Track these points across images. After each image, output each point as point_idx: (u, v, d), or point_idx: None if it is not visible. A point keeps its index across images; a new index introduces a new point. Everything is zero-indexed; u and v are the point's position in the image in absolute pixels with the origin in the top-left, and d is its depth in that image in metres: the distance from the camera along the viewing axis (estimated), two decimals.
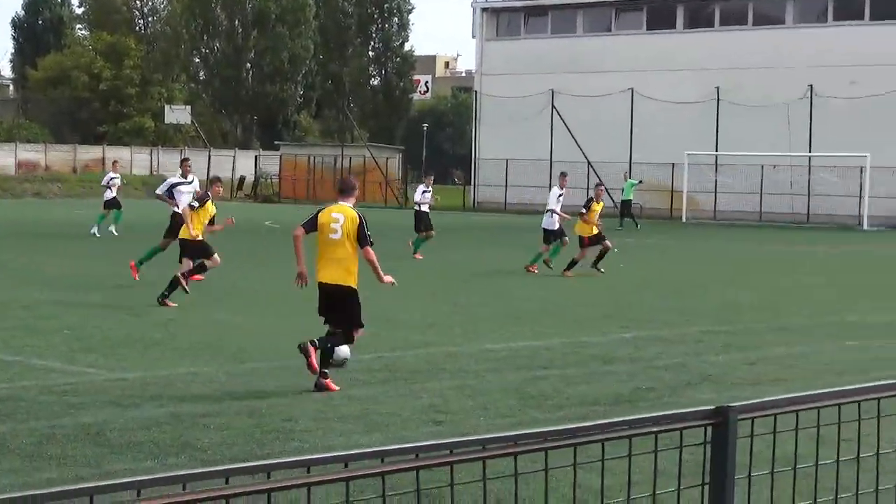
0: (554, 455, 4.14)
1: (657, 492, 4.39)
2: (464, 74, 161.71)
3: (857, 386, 5.20)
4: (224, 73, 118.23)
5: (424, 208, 36.76)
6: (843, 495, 5.26)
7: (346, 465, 3.61)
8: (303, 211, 74.21)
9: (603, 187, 33.91)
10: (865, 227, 63.92)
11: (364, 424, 12.31)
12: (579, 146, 76.20)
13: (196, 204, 23.44)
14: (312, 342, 14.37)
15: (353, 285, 14.54)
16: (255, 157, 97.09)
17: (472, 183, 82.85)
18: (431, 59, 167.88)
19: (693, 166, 69.56)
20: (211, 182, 24.11)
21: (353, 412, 12.89)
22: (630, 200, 59.67)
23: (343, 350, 14.42)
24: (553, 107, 78.02)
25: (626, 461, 4.37)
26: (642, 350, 17.97)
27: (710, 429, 4.33)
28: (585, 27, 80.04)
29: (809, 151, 69.22)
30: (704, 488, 4.37)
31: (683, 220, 68.16)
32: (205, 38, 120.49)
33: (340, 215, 14.49)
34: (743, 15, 74.10)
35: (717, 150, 71.72)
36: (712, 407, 4.34)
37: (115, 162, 48.00)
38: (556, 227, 31.86)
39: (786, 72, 69.89)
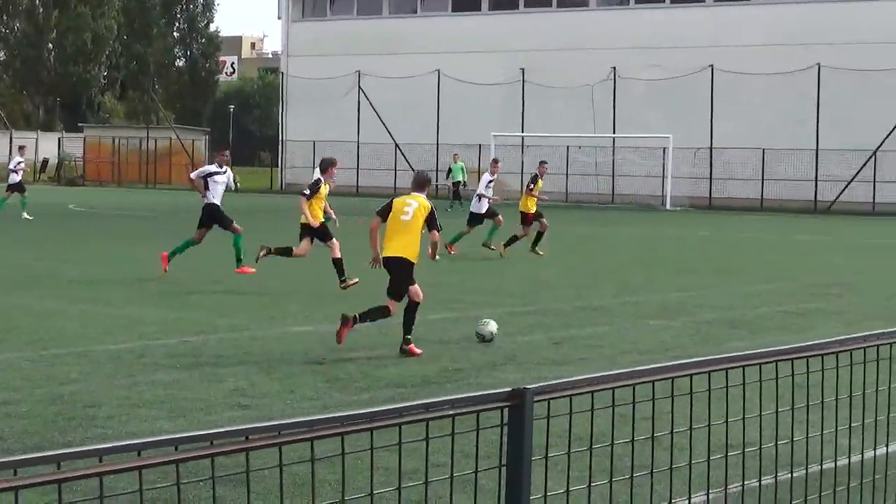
0: (356, 438, 4.15)
1: (455, 474, 4.41)
2: (270, 56, 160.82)
3: (652, 366, 5.29)
4: (25, 53, 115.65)
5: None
6: (637, 474, 5.35)
7: (139, 454, 3.56)
8: (109, 194, 72.54)
9: (546, 165, 34.69)
10: (668, 206, 65.20)
11: (168, 410, 12.17)
12: (386, 128, 76.33)
13: (308, 192, 23.12)
14: (355, 317, 16.19)
15: (413, 259, 16.63)
16: (59, 139, 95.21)
17: (280, 165, 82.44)
18: (237, 40, 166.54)
19: (499, 147, 70.10)
20: (324, 166, 23.38)
21: (158, 398, 12.73)
22: (460, 182, 60.30)
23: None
24: (360, 88, 77.98)
25: (427, 444, 4.39)
26: (450, 331, 18.07)
27: (506, 410, 4.36)
28: (391, 8, 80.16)
29: (613, 133, 70.33)
30: (502, 470, 4.40)
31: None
32: (4, 17, 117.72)
33: (414, 202, 16.65)
34: None
35: (522, 132, 72.41)
36: (508, 389, 4.37)
37: (21, 147, 47.62)
38: (483, 210, 32.92)
39: (589, 53, 70.87)
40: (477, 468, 4.40)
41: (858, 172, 64.49)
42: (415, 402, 4.13)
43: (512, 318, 19.85)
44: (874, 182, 64.03)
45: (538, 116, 72.00)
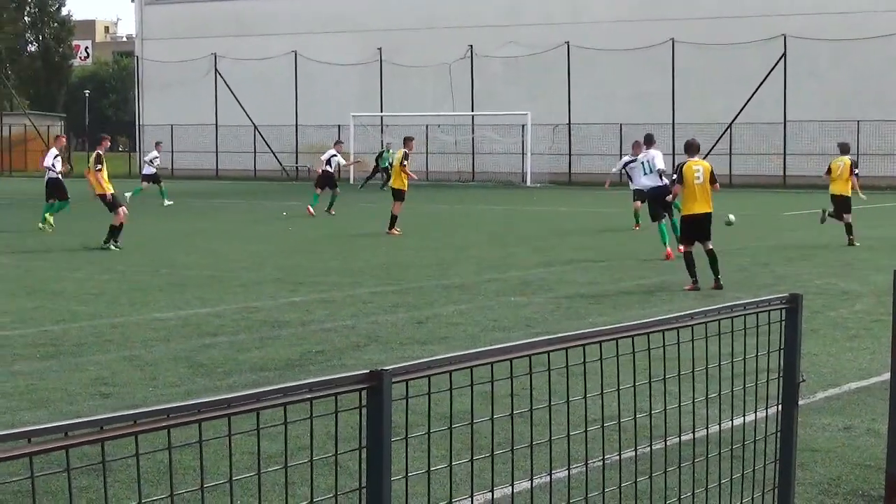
0: (218, 424, 4.12)
1: (315, 457, 4.40)
2: (125, 39, 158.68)
3: (511, 344, 5.32)
4: None
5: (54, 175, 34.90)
6: (499, 451, 5.37)
7: (29, 441, 3.52)
8: None
9: (413, 141, 34.80)
10: (528, 183, 65.60)
11: (29, 401, 11.98)
12: (244, 110, 75.78)
13: (97, 165, 28.62)
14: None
15: (711, 211, 21.18)
16: None
17: (138, 150, 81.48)
18: (91, 24, 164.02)
19: (359, 128, 70.01)
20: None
21: (18, 389, 12.53)
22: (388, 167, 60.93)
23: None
24: (216, 71, 77.31)
25: (291, 427, 4.38)
26: (312, 313, 18.02)
27: (365, 392, 4.36)
28: None
29: (472, 111, 70.55)
30: (363, 451, 4.39)
31: (351, 182, 68.53)
32: None
33: (700, 167, 21.26)
34: None
35: (382, 112, 72.35)
36: (366, 371, 4.36)
37: (158, 143, 52.59)
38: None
39: (446, 32, 70.97)
40: (337, 451, 4.39)
41: (714, 146, 65.41)
42: (272, 387, 4.10)
43: (374, 297, 19.86)
44: (730, 155, 64.99)
45: (397, 96, 72.02)
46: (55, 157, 35.50)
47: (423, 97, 70.77)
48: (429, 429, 4.82)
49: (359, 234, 33.16)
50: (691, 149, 21.76)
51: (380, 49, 72.63)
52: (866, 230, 33.65)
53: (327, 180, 41.17)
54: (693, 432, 6.37)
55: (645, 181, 28.48)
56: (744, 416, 6.70)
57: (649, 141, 29.21)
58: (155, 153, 49.67)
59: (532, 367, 5.35)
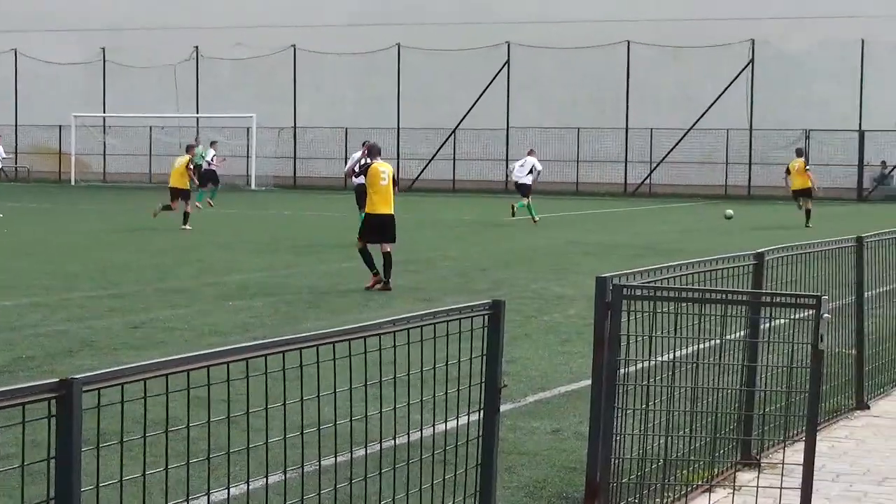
0: None
1: (2, 469, 4.30)
2: None
3: (224, 348, 5.29)
4: None
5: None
6: (214, 455, 5.32)
7: None
8: None
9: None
10: (254, 186, 65.24)
11: None
12: None
13: None
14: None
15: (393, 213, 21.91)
16: None
17: None
18: None
19: (81, 129, 68.61)
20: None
21: None
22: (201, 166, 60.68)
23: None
24: None
25: None
26: (24, 318, 17.54)
27: (54, 401, 4.27)
28: None
29: (197, 112, 69.85)
30: (51, 462, 4.31)
31: (73, 183, 67.17)
32: None
33: (386, 169, 21.93)
34: None
35: (104, 112, 71.02)
36: (56, 380, 4.28)
37: (213, 142, 51.09)
38: None
39: (172, 32, 70.12)
40: (24, 461, 4.30)
41: (439, 150, 66.21)
42: None
43: (89, 301, 19.46)
44: (454, 160, 65.86)
45: (120, 97, 70.82)
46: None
47: (147, 98, 69.77)
48: (121, 437, 4.75)
49: (76, 236, 32.44)
50: (374, 151, 22.46)
51: (103, 49, 71.31)
52: (584, 235, 34.57)
53: (211, 176, 45.56)
54: (408, 435, 6.44)
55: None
56: (446, 421, 6.78)
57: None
58: (213, 152, 47.72)
59: (249, 371, 5.34)
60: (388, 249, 21.58)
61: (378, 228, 21.71)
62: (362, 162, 23.49)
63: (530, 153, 42.49)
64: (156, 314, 18.19)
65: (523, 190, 40.23)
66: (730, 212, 39.83)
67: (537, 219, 39.02)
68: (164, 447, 5.04)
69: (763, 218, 43.81)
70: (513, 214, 39.99)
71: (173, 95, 69.64)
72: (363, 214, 25.05)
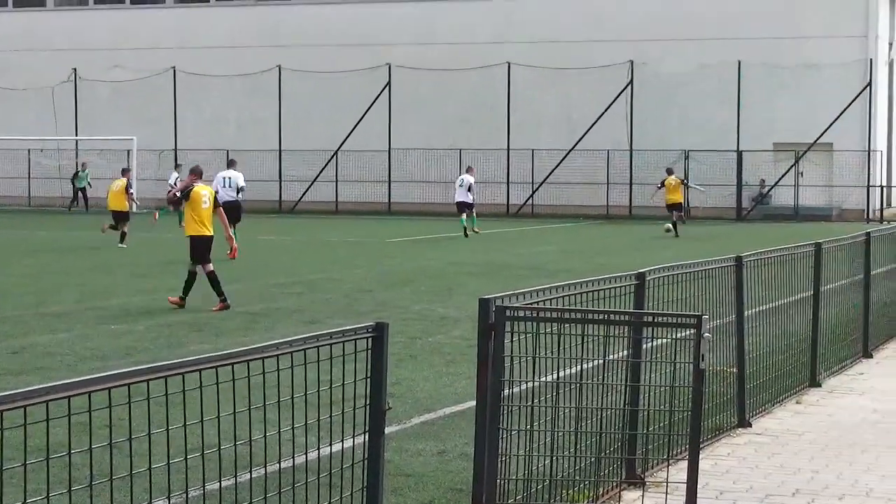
0: None
1: None
2: None
3: (107, 374, 5.24)
4: None
5: None
6: (97, 482, 5.27)
7: None
8: None
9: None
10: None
11: None
12: None
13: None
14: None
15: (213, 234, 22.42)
16: None
17: None
18: None
19: None
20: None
21: None
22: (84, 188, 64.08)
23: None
24: None
25: None
26: None
27: None
28: None
29: (76, 135, 69.03)
30: None
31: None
32: None
33: (206, 191, 22.51)
34: None
35: None
36: None
37: (232, 161, 47.63)
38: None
39: (50, 54, 69.34)
40: None
41: (321, 172, 66.02)
42: None
43: None
44: (336, 182, 65.74)
45: None
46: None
47: (25, 120, 68.85)
48: (0, 465, 4.70)
49: None
50: (196, 173, 23.27)
51: None
52: (467, 255, 34.68)
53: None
54: (293, 458, 6.43)
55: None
56: (331, 444, 6.78)
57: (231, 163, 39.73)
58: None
59: (131, 396, 5.30)
60: (211, 269, 22.21)
61: (203, 249, 22.41)
62: (180, 187, 24.21)
63: (468, 171, 45.57)
64: (35, 339, 17.96)
65: (463, 207, 43.24)
66: (668, 226, 44.25)
67: (476, 231, 43.29)
68: (45, 474, 4.99)
69: (643, 237, 44.28)
70: (466, 235, 42.61)
71: (51, 118, 68.79)
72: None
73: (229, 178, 37.62)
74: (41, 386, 4.88)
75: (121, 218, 38.18)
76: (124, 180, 38.94)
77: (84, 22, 70.56)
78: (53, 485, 5.05)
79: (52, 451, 4.94)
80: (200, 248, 22.40)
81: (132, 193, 38.93)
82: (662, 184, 46.16)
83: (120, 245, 36.92)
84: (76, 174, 64.81)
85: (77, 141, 68.93)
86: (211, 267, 22.18)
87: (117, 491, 5.70)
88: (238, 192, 37.26)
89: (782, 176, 61.09)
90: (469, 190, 43.46)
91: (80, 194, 64.58)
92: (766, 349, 13.44)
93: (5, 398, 4.67)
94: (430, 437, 11.78)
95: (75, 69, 69.18)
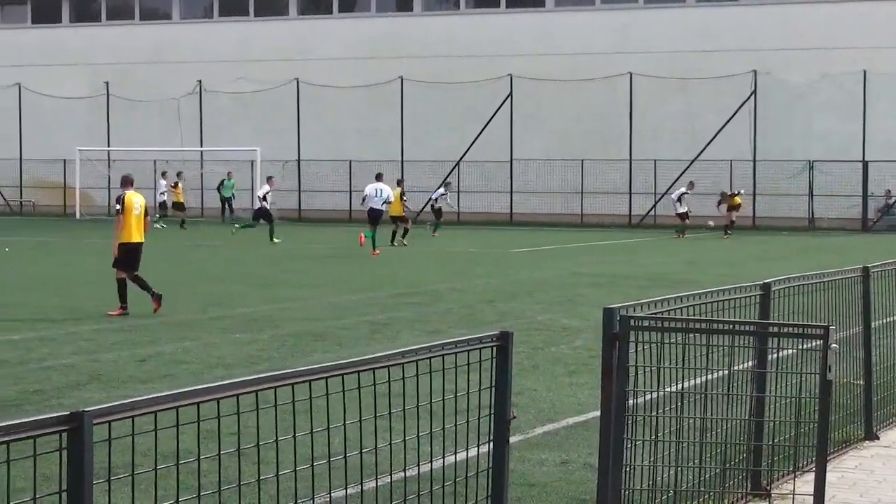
0: None
1: (15, 501, 4.30)
2: None
3: (232, 381, 5.29)
4: None
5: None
6: (225, 488, 5.31)
7: None
8: None
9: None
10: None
11: None
12: None
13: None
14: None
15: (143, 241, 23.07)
16: None
17: None
18: None
19: (85, 162, 68.61)
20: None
21: None
22: (230, 197, 64.57)
23: None
24: None
25: None
26: (31, 352, 17.55)
27: (66, 435, 4.27)
28: None
29: (201, 146, 69.89)
30: (63, 495, 4.31)
31: (77, 217, 67.15)
32: None
33: (139, 199, 23.08)
34: (129, 9, 73.89)
35: (109, 146, 71.08)
36: (67, 413, 4.28)
37: (270, 177, 50.97)
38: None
39: (175, 66, 70.29)
40: (35, 494, 4.30)
41: (443, 182, 66.13)
42: None
43: (96, 335, 19.47)
44: (459, 192, 65.83)
45: (124, 130, 70.90)
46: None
47: (150, 132, 69.85)
48: (132, 469, 4.76)
49: (81, 269, 32.47)
50: (127, 182, 23.86)
51: (107, 83, 71.43)
52: (589, 266, 34.54)
53: (263, 214, 46.32)
54: (418, 467, 6.44)
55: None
56: (456, 453, 6.78)
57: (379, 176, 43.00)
58: (268, 188, 47.76)
59: (258, 403, 5.34)
60: (137, 273, 22.96)
61: (134, 255, 23.10)
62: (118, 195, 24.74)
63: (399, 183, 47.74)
64: (162, 347, 18.19)
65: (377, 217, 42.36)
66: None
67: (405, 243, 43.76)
68: (174, 480, 5.05)
69: (767, 248, 43.79)
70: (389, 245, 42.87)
71: (176, 129, 69.73)
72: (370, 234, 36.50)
73: (380, 189, 42.07)
74: (171, 392, 4.94)
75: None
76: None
77: (209, 34, 71.43)
78: (182, 491, 5.11)
79: (181, 458, 5.00)
80: (132, 253, 23.06)
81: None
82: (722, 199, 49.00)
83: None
84: (222, 183, 64.82)
85: (202, 152, 69.76)
86: (136, 272, 22.84)
87: (244, 498, 5.76)
88: (383, 204, 41.95)
89: None
90: (386, 202, 42.73)
91: (226, 204, 64.62)
92: (893, 361, 13.23)
93: (136, 404, 4.73)
94: (553, 447, 11.74)
95: (200, 81, 70.03)
